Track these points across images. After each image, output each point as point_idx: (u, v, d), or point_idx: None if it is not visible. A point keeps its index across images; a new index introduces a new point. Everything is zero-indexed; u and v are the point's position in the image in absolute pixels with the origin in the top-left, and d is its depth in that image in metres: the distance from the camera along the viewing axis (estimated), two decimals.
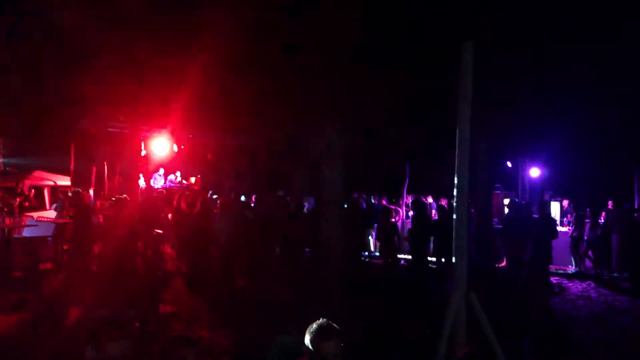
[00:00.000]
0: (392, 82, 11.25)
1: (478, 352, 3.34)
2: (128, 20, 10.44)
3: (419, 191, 19.11)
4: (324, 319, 3.24)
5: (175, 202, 14.63)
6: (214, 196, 15.58)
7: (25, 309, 8.73)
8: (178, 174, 20.34)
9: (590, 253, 14.34)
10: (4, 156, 19.25)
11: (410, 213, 16.38)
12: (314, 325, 3.18)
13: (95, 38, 10.87)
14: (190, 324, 8.44)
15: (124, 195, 12.69)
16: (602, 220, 15.15)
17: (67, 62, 11.59)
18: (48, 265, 12.17)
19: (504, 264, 13.73)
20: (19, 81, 12.06)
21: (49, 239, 12.30)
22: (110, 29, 10.71)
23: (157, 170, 19.80)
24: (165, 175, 20.07)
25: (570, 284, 12.64)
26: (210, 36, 10.49)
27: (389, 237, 12.24)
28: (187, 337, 3.15)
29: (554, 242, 13.26)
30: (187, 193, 15.69)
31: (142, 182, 17.24)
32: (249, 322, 8.49)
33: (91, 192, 17.67)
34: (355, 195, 15.95)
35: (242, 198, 16.57)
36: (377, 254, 14.82)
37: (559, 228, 16.10)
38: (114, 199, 12.04)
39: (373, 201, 17.99)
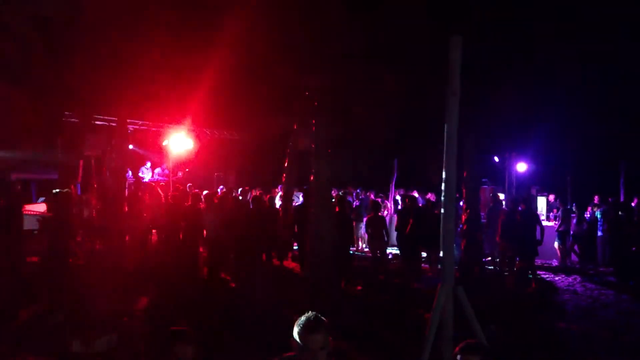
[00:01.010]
0: (380, 77, 11.24)
1: (477, 343, 3.37)
2: (117, 14, 10.37)
3: (406, 186, 19.21)
4: (312, 312, 3.25)
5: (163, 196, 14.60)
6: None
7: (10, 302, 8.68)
8: (164, 165, 20.25)
9: (576, 247, 14.47)
10: None
11: (399, 207, 16.45)
12: (302, 318, 3.18)
13: (83, 30, 10.78)
14: (177, 319, 8.41)
15: (65, 189, 12.54)
16: (588, 215, 15.28)
17: (53, 53, 11.49)
18: (34, 259, 12.11)
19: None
20: (3, 73, 11.93)
21: (35, 232, 12.22)
22: (98, 21, 10.63)
23: (144, 164, 19.74)
24: (152, 169, 19.99)
25: (556, 278, 12.74)
26: (202, 36, 10.46)
27: (378, 231, 12.30)
28: (185, 331, 3.15)
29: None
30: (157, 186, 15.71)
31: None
32: (237, 318, 8.49)
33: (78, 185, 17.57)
34: (337, 191, 15.93)
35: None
36: (367, 248, 14.90)
37: (546, 223, 16.27)
38: (55, 191, 11.75)
39: (361, 196, 18.05)
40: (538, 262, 13.98)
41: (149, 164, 19.80)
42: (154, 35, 10.70)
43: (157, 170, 19.97)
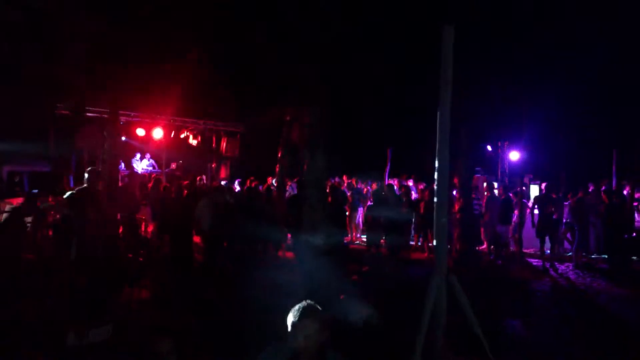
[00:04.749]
0: (372, 66, 11.24)
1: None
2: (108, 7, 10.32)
3: (400, 175, 19.22)
4: (307, 301, 3.27)
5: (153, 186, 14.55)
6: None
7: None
8: (148, 156, 20.20)
9: (568, 235, 14.51)
10: None
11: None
12: (296, 306, 3.21)
13: (74, 23, 10.72)
14: (170, 311, 8.41)
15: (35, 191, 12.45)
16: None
17: (45, 46, 11.43)
18: (28, 252, 12.13)
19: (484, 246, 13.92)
20: None
21: (28, 225, 12.16)
22: (89, 14, 10.57)
23: (134, 156, 19.70)
24: (141, 160, 19.95)
25: (548, 266, 12.80)
26: (190, 30, 10.42)
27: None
28: (164, 328, 3.16)
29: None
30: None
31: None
32: (230, 310, 8.49)
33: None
34: (337, 180, 16.00)
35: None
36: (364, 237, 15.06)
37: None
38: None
39: (358, 186, 18.03)
40: (530, 250, 14.09)
41: (138, 156, 19.76)
42: (145, 28, 10.66)
43: (145, 162, 19.93)
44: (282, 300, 4.06)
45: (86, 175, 8.79)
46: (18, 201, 13.59)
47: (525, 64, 12.74)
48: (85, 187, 8.70)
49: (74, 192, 8.66)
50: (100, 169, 10.17)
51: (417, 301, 4.24)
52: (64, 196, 8.73)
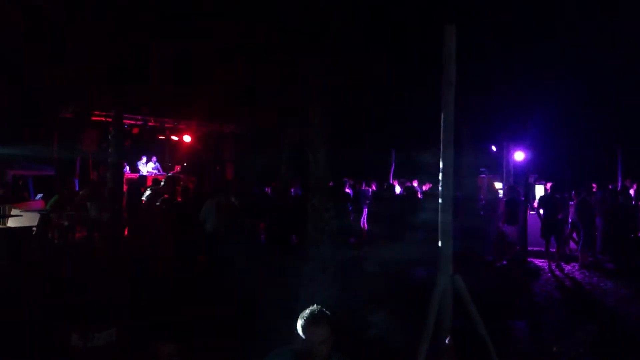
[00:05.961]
0: (376, 67, 11.23)
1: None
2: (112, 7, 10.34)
3: (404, 176, 19.21)
4: (317, 305, 3.25)
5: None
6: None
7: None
8: (154, 159, 20.28)
9: (574, 235, 14.46)
10: None
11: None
12: (306, 311, 3.19)
13: (77, 24, 10.74)
14: (173, 313, 8.38)
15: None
16: None
17: (49, 49, 11.45)
18: (33, 256, 12.16)
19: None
20: None
21: (34, 229, 12.20)
22: (93, 16, 10.59)
23: (139, 159, 19.77)
24: (146, 163, 20.02)
25: (554, 266, 12.75)
26: (194, 29, 10.42)
27: None
28: (167, 331, 3.16)
29: (538, 224, 13.44)
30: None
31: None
32: (234, 312, 8.47)
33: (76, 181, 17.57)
34: (344, 180, 16.02)
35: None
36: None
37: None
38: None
39: (362, 187, 18.03)
40: (535, 249, 14.04)
41: (144, 159, 19.82)
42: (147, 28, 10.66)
43: (150, 165, 19.98)
44: (286, 303, 4.05)
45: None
46: (24, 205, 13.63)
47: (530, 63, 12.70)
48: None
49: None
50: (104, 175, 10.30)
51: (421, 301, 4.22)
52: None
